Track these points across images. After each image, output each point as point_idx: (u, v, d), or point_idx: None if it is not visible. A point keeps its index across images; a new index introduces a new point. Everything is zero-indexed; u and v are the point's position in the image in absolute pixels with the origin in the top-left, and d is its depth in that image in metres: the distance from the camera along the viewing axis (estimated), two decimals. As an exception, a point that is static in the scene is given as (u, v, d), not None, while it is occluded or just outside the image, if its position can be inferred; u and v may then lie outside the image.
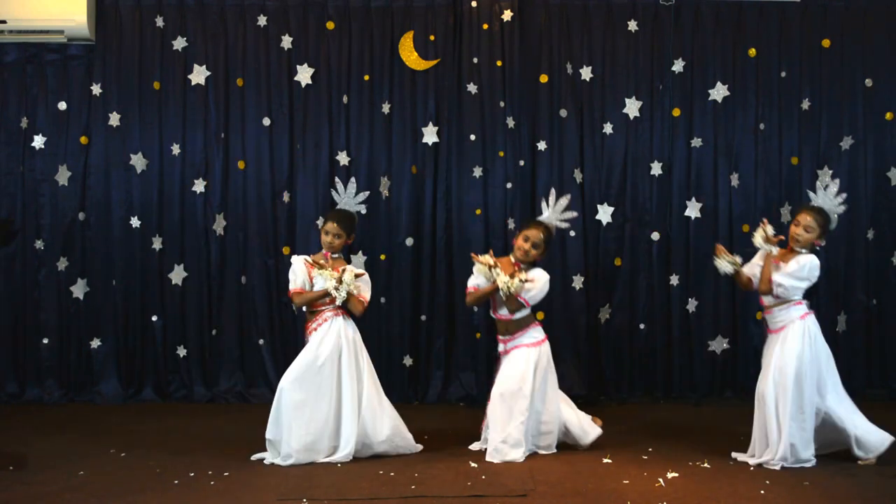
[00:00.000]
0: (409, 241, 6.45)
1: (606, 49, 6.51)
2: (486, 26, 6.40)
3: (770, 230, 4.87)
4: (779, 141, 6.52)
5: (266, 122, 6.45)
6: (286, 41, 6.46)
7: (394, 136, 6.48)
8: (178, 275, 6.44)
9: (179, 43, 6.44)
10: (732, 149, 6.49)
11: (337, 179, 5.32)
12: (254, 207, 6.45)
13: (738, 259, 4.97)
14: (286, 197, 6.45)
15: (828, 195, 4.91)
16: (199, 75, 6.43)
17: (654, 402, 6.45)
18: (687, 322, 6.49)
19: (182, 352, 6.44)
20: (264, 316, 6.45)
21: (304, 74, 6.44)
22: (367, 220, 6.39)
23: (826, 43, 6.51)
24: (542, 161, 6.46)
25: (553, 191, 5.28)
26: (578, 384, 6.22)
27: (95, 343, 6.41)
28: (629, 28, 6.49)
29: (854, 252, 6.48)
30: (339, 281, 4.80)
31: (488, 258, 4.97)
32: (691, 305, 6.47)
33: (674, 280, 6.47)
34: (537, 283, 4.97)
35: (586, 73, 6.49)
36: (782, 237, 4.88)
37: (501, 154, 6.40)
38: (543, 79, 6.47)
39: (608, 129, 6.49)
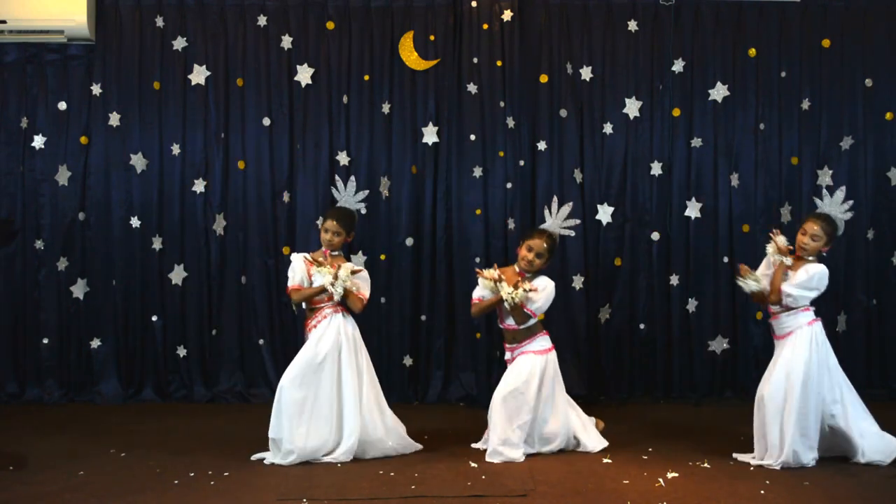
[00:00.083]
0: (409, 241, 6.45)
1: (606, 49, 6.51)
2: (486, 26, 6.40)
3: (782, 241, 4.86)
4: (779, 141, 6.52)
5: (266, 122, 6.45)
6: (286, 41, 6.46)
7: (394, 136, 6.48)
8: (178, 275, 6.44)
9: (179, 43, 6.44)
10: (732, 149, 6.49)
11: (337, 177, 5.33)
12: (254, 207, 6.45)
13: (760, 278, 4.92)
14: (286, 197, 6.45)
15: (834, 202, 4.91)
16: (199, 75, 6.43)
17: (654, 402, 6.45)
18: (687, 322, 6.49)
19: (182, 352, 6.44)
20: (264, 316, 6.45)
21: (304, 74, 6.44)
22: (367, 220, 6.39)
23: (826, 43, 6.51)
24: (542, 161, 6.45)
25: (555, 198, 5.28)
26: (578, 384, 6.22)
27: (95, 343, 6.41)
28: (629, 28, 6.49)
29: (854, 252, 6.48)
30: (336, 277, 4.80)
31: (493, 272, 4.97)
32: (691, 305, 6.47)
33: (674, 280, 6.47)
34: (542, 293, 4.98)
35: (586, 73, 6.49)
36: (791, 247, 4.87)
37: (501, 154, 6.39)
38: (543, 79, 6.47)
39: (608, 129, 6.49)
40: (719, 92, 6.48)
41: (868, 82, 6.52)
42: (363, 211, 5.23)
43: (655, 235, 6.50)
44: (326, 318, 4.90)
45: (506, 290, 4.88)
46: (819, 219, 4.81)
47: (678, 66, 6.49)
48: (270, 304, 6.44)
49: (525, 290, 4.88)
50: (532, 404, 4.89)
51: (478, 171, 6.40)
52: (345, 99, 6.47)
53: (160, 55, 6.44)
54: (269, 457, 4.78)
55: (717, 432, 5.49)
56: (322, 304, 4.92)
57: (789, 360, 4.71)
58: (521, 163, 6.43)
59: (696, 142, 6.49)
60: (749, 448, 4.92)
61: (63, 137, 6.42)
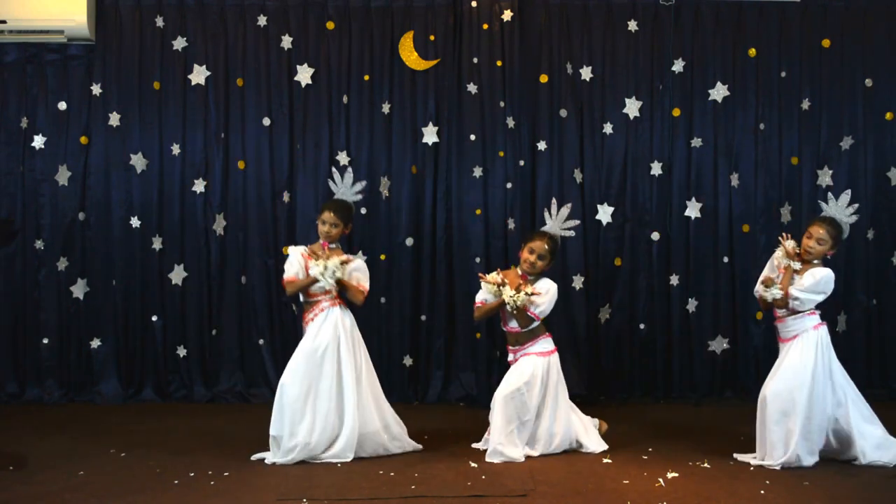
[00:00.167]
0: (409, 241, 6.45)
1: (606, 49, 6.51)
2: (486, 26, 6.40)
3: (791, 245, 4.86)
4: (779, 141, 6.52)
5: (266, 122, 6.45)
6: (286, 41, 6.46)
7: (394, 136, 6.48)
8: (178, 275, 6.44)
9: (179, 43, 6.44)
10: (732, 149, 6.49)
11: (333, 169, 5.33)
12: (254, 207, 6.45)
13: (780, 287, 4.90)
14: (286, 197, 6.45)
15: (840, 206, 4.91)
16: (199, 75, 6.43)
17: (654, 402, 6.45)
18: (687, 322, 6.49)
19: (182, 352, 6.44)
20: (264, 316, 6.45)
21: (304, 74, 6.44)
22: (367, 220, 6.40)
23: (826, 43, 6.51)
24: (542, 161, 6.45)
25: (554, 200, 5.29)
26: (578, 384, 6.21)
27: (95, 343, 6.41)
28: (629, 28, 6.49)
29: (854, 252, 6.47)
30: (325, 267, 4.79)
31: (496, 277, 4.97)
32: (691, 305, 6.47)
33: (674, 280, 6.47)
34: (546, 296, 4.98)
35: (586, 73, 6.49)
36: (798, 250, 4.87)
37: (501, 154, 6.39)
38: (543, 79, 6.47)
39: (608, 129, 6.49)
40: (719, 92, 6.48)
41: (868, 82, 6.53)
42: (362, 206, 5.21)
43: (655, 235, 6.49)
44: (324, 312, 4.90)
45: (508, 294, 4.88)
46: (825, 222, 4.81)
47: (678, 66, 6.49)
48: (270, 304, 6.44)
49: (527, 294, 4.89)
50: (533, 405, 4.90)
51: (478, 171, 6.40)
52: (345, 99, 6.47)
53: (160, 55, 6.44)
54: (270, 456, 4.78)
55: (717, 432, 5.49)
56: (319, 297, 4.92)
57: (796, 363, 4.71)
58: (521, 163, 6.43)
59: (696, 142, 6.49)
60: (749, 448, 4.92)
61: (63, 137, 6.43)
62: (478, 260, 6.27)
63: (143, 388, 6.45)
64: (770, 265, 4.95)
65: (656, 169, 6.49)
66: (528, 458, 4.86)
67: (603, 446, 5.04)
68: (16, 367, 6.43)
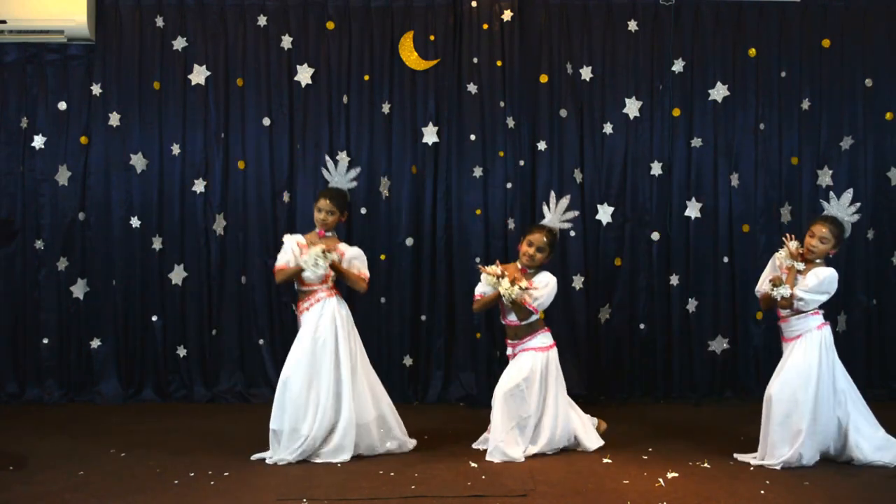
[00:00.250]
0: (409, 241, 6.44)
1: (606, 49, 6.51)
2: (486, 26, 6.40)
3: (794, 245, 4.86)
4: (779, 141, 6.52)
5: (266, 122, 6.45)
6: (286, 41, 6.46)
7: (394, 136, 6.48)
8: (178, 275, 6.44)
9: (179, 43, 6.44)
10: (732, 149, 6.50)
11: (327, 157, 5.31)
12: (254, 207, 6.45)
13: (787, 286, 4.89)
14: (286, 197, 6.45)
15: (841, 205, 4.92)
16: (199, 75, 6.44)
17: (654, 402, 6.45)
18: (687, 322, 6.49)
19: (182, 352, 6.44)
20: (264, 316, 6.45)
21: (304, 74, 6.44)
22: (367, 220, 6.40)
23: (826, 43, 6.51)
24: (542, 161, 6.45)
25: (553, 193, 5.29)
26: (578, 384, 6.21)
27: (95, 343, 6.41)
28: (629, 28, 6.49)
29: (854, 252, 6.47)
30: (315, 256, 4.77)
31: (496, 269, 4.96)
32: (691, 305, 6.47)
33: (674, 280, 6.47)
34: (545, 289, 4.98)
35: (586, 73, 6.49)
36: (801, 250, 4.87)
37: (501, 154, 6.39)
38: (543, 79, 6.47)
39: (608, 129, 6.49)
40: (719, 92, 6.48)
41: (868, 82, 6.53)
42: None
43: (655, 235, 6.49)
44: (320, 302, 4.90)
45: (504, 286, 4.87)
46: (827, 221, 4.82)
47: (678, 66, 6.49)
48: (270, 304, 6.44)
49: (521, 288, 4.88)
50: (533, 401, 4.90)
51: (478, 171, 6.40)
52: (345, 99, 6.47)
53: (160, 55, 6.44)
54: (270, 453, 4.78)
55: (717, 432, 5.49)
56: (315, 287, 4.91)
57: (800, 362, 4.72)
58: (521, 163, 6.43)
59: (696, 142, 6.49)
60: (748, 448, 4.92)
61: (63, 137, 6.43)
62: (478, 260, 6.27)
63: (143, 388, 6.45)
64: (771, 265, 4.95)
65: (656, 169, 6.49)
66: (529, 455, 4.86)
67: (599, 443, 5.04)
68: (16, 367, 6.44)
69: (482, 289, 5.06)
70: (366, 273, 5.02)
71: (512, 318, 5.03)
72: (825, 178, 6.45)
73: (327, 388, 4.79)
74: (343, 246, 5.04)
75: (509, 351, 5.11)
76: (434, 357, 6.47)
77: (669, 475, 4.49)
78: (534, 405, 4.91)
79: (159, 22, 6.44)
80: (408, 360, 6.46)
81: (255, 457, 4.83)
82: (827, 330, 4.83)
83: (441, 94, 6.46)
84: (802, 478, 4.48)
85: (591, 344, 6.48)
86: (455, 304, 6.42)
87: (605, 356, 6.50)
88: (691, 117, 6.51)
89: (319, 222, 4.99)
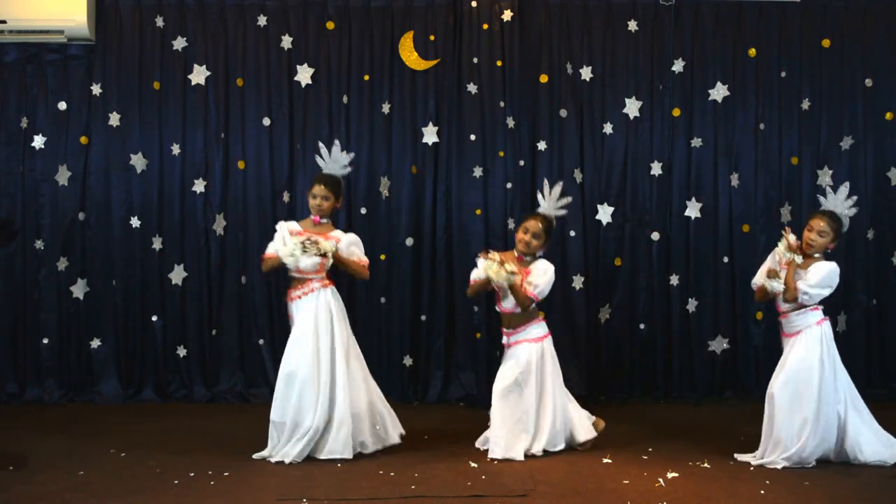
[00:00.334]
0: (409, 241, 6.44)
1: (606, 49, 6.51)
2: (486, 26, 6.40)
3: (793, 238, 4.87)
4: (779, 141, 6.52)
5: (266, 122, 6.45)
6: (286, 41, 6.46)
7: (394, 136, 6.48)
8: (178, 275, 6.44)
9: (179, 43, 6.44)
10: (732, 149, 6.50)
11: (321, 144, 5.27)
12: (254, 207, 6.45)
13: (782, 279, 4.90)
14: (286, 197, 6.45)
15: (838, 199, 4.93)
16: (199, 75, 6.44)
17: (654, 402, 6.45)
18: (687, 322, 6.49)
19: (182, 352, 6.44)
20: (264, 316, 6.45)
21: (304, 74, 6.44)
22: (367, 220, 6.40)
23: (826, 43, 6.51)
24: (542, 161, 6.45)
25: (546, 181, 5.29)
26: (578, 384, 6.21)
27: (95, 343, 6.41)
28: (629, 28, 6.49)
29: (854, 252, 6.47)
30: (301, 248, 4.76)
31: (495, 255, 4.93)
32: (691, 305, 6.47)
33: (674, 280, 6.47)
34: (543, 276, 4.97)
35: (586, 73, 6.49)
36: (799, 242, 4.87)
37: (501, 154, 6.40)
38: (543, 79, 6.47)
39: (608, 129, 6.49)
40: (719, 92, 6.48)
41: (868, 82, 6.53)
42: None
43: (655, 235, 6.50)
44: (314, 293, 4.88)
45: (492, 269, 4.84)
46: (824, 215, 4.84)
47: (678, 66, 6.49)
48: (270, 304, 6.44)
49: (508, 271, 4.83)
50: (531, 394, 4.90)
51: (478, 171, 6.40)
52: (345, 99, 6.47)
53: (160, 55, 6.44)
54: (270, 448, 4.77)
55: (717, 432, 5.49)
56: (311, 277, 4.89)
57: (802, 358, 4.73)
58: (521, 163, 6.43)
59: (696, 142, 6.49)
60: (748, 448, 4.92)
61: (63, 137, 6.43)
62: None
63: (143, 388, 6.45)
64: (772, 258, 4.95)
65: (656, 169, 6.49)
66: (530, 451, 4.85)
67: (589, 435, 5.03)
68: (16, 367, 6.43)
69: (477, 274, 5.04)
70: (365, 259, 5.01)
71: (507, 306, 5.02)
72: (825, 178, 6.44)
73: (326, 379, 4.79)
74: (338, 233, 5.01)
75: (504, 340, 5.10)
76: (434, 357, 6.47)
77: (669, 475, 4.49)
78: (532, 399, 4.91)
79: (159, 22, 6.44)
80: (408, 360, 6.46)
81: (256, 455, 4.82)
82: (827, 325, 4.84)
83: (441, 94, 6.46)
84: (802, 478, 4.48)
85: (591, 344, 6.48)
86: (455, 304, 6.42)
87: (605, 356, 6.50)
88: (691, 117, 6.51)
89: (314, 209, 4.97)
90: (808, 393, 4.67)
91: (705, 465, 4.73)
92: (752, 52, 6.49)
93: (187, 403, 6.36)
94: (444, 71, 6.46)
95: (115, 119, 6.41)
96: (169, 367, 6.46)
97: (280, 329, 6.45)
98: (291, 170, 6.46)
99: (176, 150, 6.43)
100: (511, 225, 6.34)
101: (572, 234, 6.38)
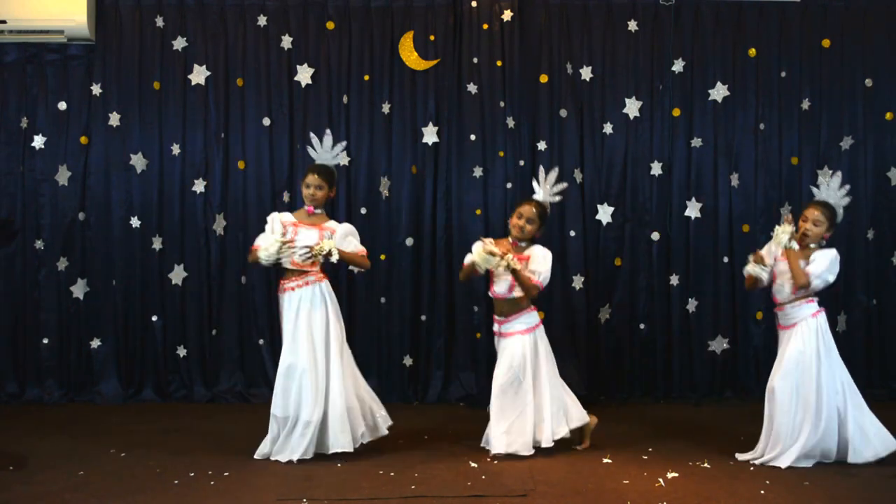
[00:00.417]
0: (409, 241, 6.45)
1: (606, 49, 6.51)
2: (486, 26, 6.40)
3: (790, 226, 4.87)
4: (779, 141, 6.52)
5: (266, 122, 6.46)
6: (286, 41, 6.46)
7: (394, 136, 6.48)
8: (178, 275, 6.44)
9: (179, 43, 6.44)
10: (732, 149, 6.50)
11: (312, 135, 5.24)
12: (254, 207, 6.45)
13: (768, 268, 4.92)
14: (286, 197, 6.44)
15: (831, 189, 4.96)
16: (199, 75, 6.44)
17: (654, 402, 6.45)
18: (687, 322, 6.49)
19: (182, 352, 6.44)
20: (264, 316, 6.45)
21: (304, 74, 6.44)
22: (367, 220, 6.40)
23: (826, 43, 6.51)
24: (542, 161, 6.42)
25: (541, 168, 5.28)
26: (578, 384, 6.20)
27: (95, 343, 6.41)
28: (629, 28, 6.49)
29: (854, 252, 6.47)
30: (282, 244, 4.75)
31: (490, 245, 4.92)
32: (691, 305, 6.47)
33: (674, 280, 6.47)
34: (543, 262, 4.95)
35: (586, 73, 6.49)
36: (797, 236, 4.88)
37: (501, 154, 6.40)
38: (543, 79, 6.47)
39: (608, 129, 6.49)
40: (719, 92, 6.48)
41: (868, 82, 6.53)
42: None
43: (655, 235, 6.50)
44: (309, 286, 4.87)
45: (478, 252, 4.84)
46: (819, 205, 4.88)
47: (678, 66, 6.49)
48: (270, 304, 6.43)
49: (487, 251, 4.80)
50: (529, 386, 4.90)
51: (478, 171, 6.40)
52: (345, 99, 6.47)
53: (160, 55, 6.44)
54: (270, 441, 4.77)
55: (717, 432, 5.49)
56: (306, 269, 4.87)
57: (800, 351, 4.74)
58: (521, 163, 6.43)
59: (696, 142, 6.49)
60: (748, 448, 4.92)
61: (63, 137, 6.43)
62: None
63: (143, 388, 6.45)
64: (768, 248, 4.95)
65: (656, 169, 6.49)
66: (540, 443, 4.86)
67: (584, 420, 5.02)
68: (16, 367, 6.43)
69: (468, 258, 5.03)
70: (361, 248, 4.99)
71: (499, 290, 4.99)
72: (825, 178, 6.43)
73: (323, 372, 4.79)
74: (332, 223, 4.98)
75: (496, 328, 5.07)
76: (434, 357, 6.47)
77: (669, 475, 4.49)
78: (530, 392, 4.91)
79: (159, 22, 6.44)
80: (408, 360, 6.46)
81: (257, 454, 4.81)
82: (822, 317, 4.85)
83: (441, 94, 6.46)
84: (802, 478, 4.48)
85: (591, 344, 6.48)
86: (455, 304, 6.42)
87: (605, 356, 6.50)
88: (691, 117, 6.51)
89: (308, 198, 4.94)
90: (808, 385, 4.68)
91: (705, 465, 4.73)
92: (752, 52, 6.49)
93: (187, 403, 6.36)
94: (444, 71, 6.46)
95: (115, 119, 6.41)
96: (169, 367, 6.46)
97: (280, 329, 6.43)
98: (291, 170, 6.46)
99: (176, 150, 6.43)
100: (511, 225, 6.34)
101: (572, 233, 6.38)
